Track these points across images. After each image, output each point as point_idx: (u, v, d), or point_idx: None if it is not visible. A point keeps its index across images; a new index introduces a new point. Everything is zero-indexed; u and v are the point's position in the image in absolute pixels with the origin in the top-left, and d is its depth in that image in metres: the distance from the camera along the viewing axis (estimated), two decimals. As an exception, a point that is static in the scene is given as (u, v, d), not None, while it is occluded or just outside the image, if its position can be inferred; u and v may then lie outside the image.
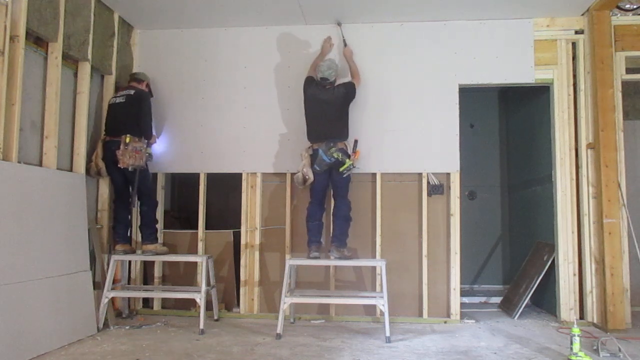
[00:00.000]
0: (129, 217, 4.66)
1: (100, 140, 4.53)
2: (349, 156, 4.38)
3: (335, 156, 4.31)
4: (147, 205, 4.57)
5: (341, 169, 4.32)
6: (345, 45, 4.83)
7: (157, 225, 4.71)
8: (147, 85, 4.74)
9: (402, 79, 4.86)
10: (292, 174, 4.68)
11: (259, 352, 3.64)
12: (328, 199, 4.67)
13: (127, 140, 4.34)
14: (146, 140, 4.54)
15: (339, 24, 4.89)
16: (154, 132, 4.79)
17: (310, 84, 4.57)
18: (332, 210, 4.55)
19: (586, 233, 4.57)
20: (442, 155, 4.77)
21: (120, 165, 4.32)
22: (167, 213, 5.33)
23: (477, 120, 6.44)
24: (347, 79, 4.69)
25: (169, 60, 5.10)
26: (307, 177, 4.39)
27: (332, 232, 4.48)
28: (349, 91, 4.52)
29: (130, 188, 4.52)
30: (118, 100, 4.51)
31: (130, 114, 4.44)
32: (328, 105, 4.43)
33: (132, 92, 4.51)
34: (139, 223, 4.71)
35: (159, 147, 4.90)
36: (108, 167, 4.45)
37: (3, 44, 3.40)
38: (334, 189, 4.52)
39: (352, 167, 4.33)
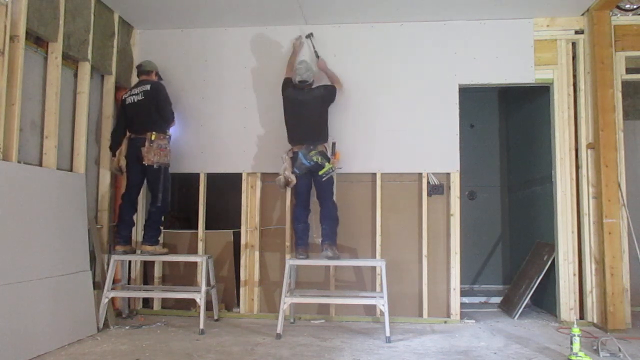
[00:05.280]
0: (134, 217, 4.65)
1: (126, 138, 4.52)
2: (328, 159, 4.38)
3: (315, 159, 4.32)
4: (158, 206, 4.47)
5: (320, 173, 4.33)
6: (318, 57, 4.83)
7: (160, 227, 4.66)
8: (157, 74, 4.71)
9: (402, 79, 4.87)
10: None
11: (259, 352, 3.64)
12: (312, 199, 4.63)
13: (153, 137, 4.36)
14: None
15: (309, 36, 4.89)
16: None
17: (288, 85, 4.59)
18: (319, 213, 4.51)
19: (586, 233, 4.57)
20: (442, 155, 4.77)
21: (145, 162, 4.32)
22: (167, 213, 5.31)
23: (477, 120, 6.44)
24: (328, 82, 4.69)
25: (169, 60, 5.09)
26: (289, 179, 4.40)
27: (321, 232, 4.44)
28: (328, 93, 4.53)
29: (152, 186, 4.48)
30: (136, 98, 4.47)
31: (151, 110, 4.43)
32: (307, 106, 4.44)
33: (147, 86, 4.47)
34: (143, 222, 4.70)
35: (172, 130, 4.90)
36: (130, 164, 4.46)
37: (3, 44, 3.40)
38: (318, 191, 4.49)
39: (331, 170, 4.33)
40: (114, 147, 4.57)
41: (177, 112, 4.75)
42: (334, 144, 4.53)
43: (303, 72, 4.46)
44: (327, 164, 4.32)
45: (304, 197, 4.52)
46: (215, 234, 5.05)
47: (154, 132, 4.38)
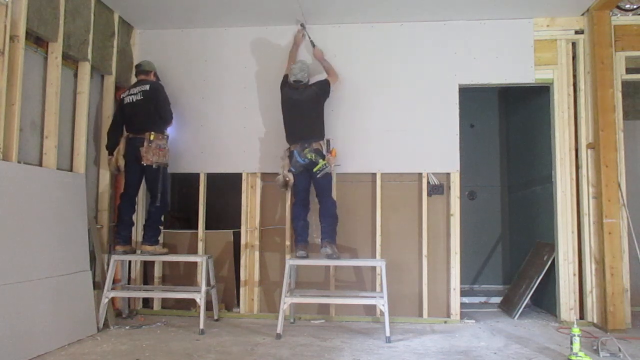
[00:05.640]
0: (134, 217, 4.65)
1: (124, 137, 4.52)
2: (323, 157, 4.40)
3: (309, 157, 4.34)
4: (157, 206, 4.47)
5: (314, 170, 4.34)
6: (314, 46, 4.85)
7: (160, 227, 4.66)
8: (155, 74, 4.70)
9: (402, 79, 4.86)
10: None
11: (259, 352, 3.64)
12: (313, 198, 4.65)
13: (151, 137, 4.36)
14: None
15: (303, 26, 4.90)
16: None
17: (285, 84, 4.62)
18: (318, 211, 4.53)
19: (586, 233, 4.57)
20: (442, 155, 4.77)
21: (144, 162, 4.32)
22: (167, 213, 5.31)
23: (477, 120, 6.44)
24: (323, 76, 4.69)
25: (169, 60, 5.09)
26: (287, 179, 4.44)
27: (321, 230, 4.47)
28: (321, 89, 4.55)
29: (152, 186, 4.49)
30: (135, 98, 4.46)
31: (150, 110, 4.44)
32: (301, 105, 4.46)
33: (146, 87, 4.48)
34: (143, 221, 4.70)
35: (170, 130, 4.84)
36: (128, 163, 4.45)
37: (3, 44, 3.40)
38: (316, 189, 4.53)
39: (325, 167, 4.34)
40: (111, 147, 4.55)
41: (177, 112, 4.76)
42: (328, 141, 4.55)
43: (297, 72, 4.47)
44: (321, 160, 4.34)
45: (302, 196, 4.54)
46: (215, 234, 5.05)
47: (152, 132, 4.38)
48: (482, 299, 5.84)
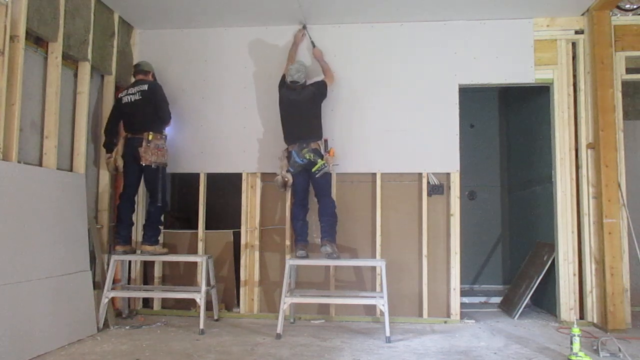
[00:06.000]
0: (133, 217, 4.64)
1: (122, 137, 4.52)
2: (322, 156, 4.41)
3: (307, 157, 4.35)
4: (157, 206, 4.47)
5: (313, 170, 4.35)
6: (314, 46, 4.87)
7: (160, 227, 4.67)
8: (153, 75, 4.70)
9: (402, 79, 4.87)
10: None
11: (259, 352, 3.64)
12: (312, 198, 4.65)
13: (150, 137, 4.36)
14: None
15: (304, 26, 4.91)
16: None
17: (283, 85, 4.64)
18: (317, 210, 4.54)
19: (586, 233, 4.57)
20: (442, 155, 4.77)
21: (143, 162, 4.33)
22: (167, 213, 5.32)
23: (477, 120, 6.44)
24: (322, 77, 4.70)
25: (169, 60, 5.10)
26: (286, 179, 4.45)
27: (320, 229, 4.48)
28: (318, 90, 4.56)
29: (151, 186, 4.49)
30: (133, 97, 4.46)
31: (148, 110, 4.43)
32: (298, 106, 4.48)
33: (145, 86, 4.48)
34: (143, 221, 4.70)
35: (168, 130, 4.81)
36: (127, 163, 4.45)
37: (3, 44, 3.40)
38: (315, 189, 4.54)
39: (324, 167, 4.35)
40: (108, 145, 4.55)
41: (176, 112, 4.76)
42: (326, 141, 4.56)
43: (294, 72, 4.49)
44: (319, 160, 4.35)
45: (301, 196, 4.55)
46: (215, 234, 5.05)
47: (151, 132, 4.38)
48: (482, 299, 5.84)
